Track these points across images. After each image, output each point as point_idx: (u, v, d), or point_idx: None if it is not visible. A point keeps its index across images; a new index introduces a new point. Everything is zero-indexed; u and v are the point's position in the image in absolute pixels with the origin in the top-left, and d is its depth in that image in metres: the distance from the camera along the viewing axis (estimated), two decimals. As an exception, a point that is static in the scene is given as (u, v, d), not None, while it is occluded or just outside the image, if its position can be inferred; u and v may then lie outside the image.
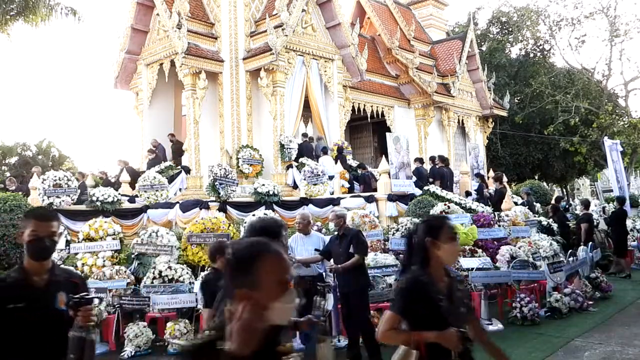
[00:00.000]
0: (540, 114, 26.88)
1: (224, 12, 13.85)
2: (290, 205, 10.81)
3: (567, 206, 17.44)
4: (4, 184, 12.67)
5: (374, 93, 17.23)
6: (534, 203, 13.30)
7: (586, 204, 12.49)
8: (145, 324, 6.80)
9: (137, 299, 7.07)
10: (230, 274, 1.46)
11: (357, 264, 5.65)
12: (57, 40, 63.44)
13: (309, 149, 13.88)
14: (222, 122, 13.71)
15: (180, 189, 12.80)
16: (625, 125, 25.93)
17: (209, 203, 9.95)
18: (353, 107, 16.21)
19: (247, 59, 13.61)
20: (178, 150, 14.25)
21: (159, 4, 13.53)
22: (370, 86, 17.13)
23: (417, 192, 11.78)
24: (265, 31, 13.07)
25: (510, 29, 29.67)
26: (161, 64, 14.02)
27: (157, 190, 10.74)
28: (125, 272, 7.74)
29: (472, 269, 7.62)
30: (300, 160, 13.11)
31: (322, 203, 10.94)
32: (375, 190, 12.20)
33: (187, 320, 6.82)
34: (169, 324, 6.71)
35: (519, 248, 8.89)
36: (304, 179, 11.51)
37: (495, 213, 10.68)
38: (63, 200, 9.39)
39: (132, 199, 11.06)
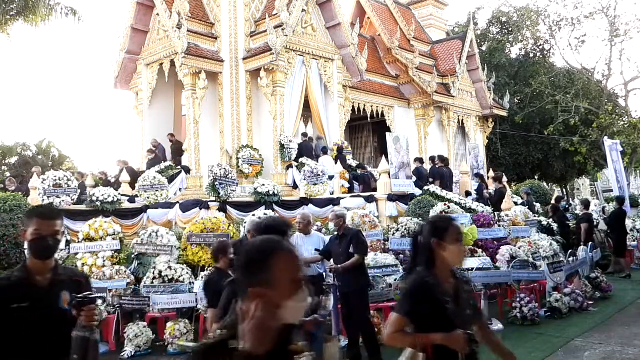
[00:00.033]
0: (540, 114, 26.88)
1: (224, 12, 13.85)
2: (290, 205, 10.81)
3: (567, 206, 17.44)
4: (4, 184, 12.66)
5: (374, 93, 17.23)
6: (534, 203, 13.30)
7: (586, 204, 12.50)
8: (145, 324, 6.81)
9: (137, 299, 7.07)
10: (243, 272, 1.44)
11: (357, 264, 5.65)
12: (57, 40, 63.50)
13: (308, 149, 13.88)
14: (222, 122, 13.71)
15: (180, 189, 12.80)
16: (625, 125, 25.93)
17: (209, 203, 9.95)
18: (353, 107, 16.20)
19: (247, 59, 13.61)
20: (177, 150, 14.25)
21: (159, 4, 13.53)
22: (370, 86, 17.13)
23: (417, 192, 11.78)
24: (265, 31, 13.07)
25: (510, 29, 29.68)
26: (161, 64, 14.02)
27: (157, 190, 10.74)
28: (125, 272, 7.74)
29: (472, 269, 7.62)
30: (300, 160, 13.11)
31: (322, 203, 10.94)
32: (374, 190, 12.20)
33: (187, 320, 6.82)
34: (169, 324, 6.71)
35: (519, 248, 8.89)
36: (304, 179, 11.51)
37: (495, 213, 10.68)
38: (63, 200, 9.39)
39: (132, 199, 11.06)
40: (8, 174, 20.31)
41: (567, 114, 25.76)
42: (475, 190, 13.46)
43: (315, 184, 11.41)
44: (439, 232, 2.45)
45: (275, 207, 10.28)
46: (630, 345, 5.99)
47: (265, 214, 9.36)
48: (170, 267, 7.54)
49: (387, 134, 12.63)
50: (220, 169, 10.18)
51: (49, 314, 2.28)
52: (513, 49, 30.15)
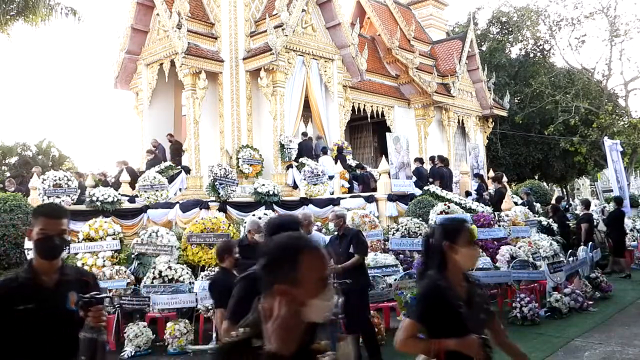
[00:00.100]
0: (540, 114, 26.89)
1: (224, 12, 13.85)
2: (290, 206, 10.81)
3: (567, 206, 17.44)
4: (3, 185, 12.66)
5: (374, 93, 17.24)
6: (534, 203, 13.30)
7: (586, 204, 12.49)
8: (145, 324, 6.81)
9: (137, 299, 7.07)
10: (268, 269, 1.41)
11: (357, 264, 5.65)
12: (57, 40, 63.51)
13: (308, 148, 13.89)
14: (222, 122, 13.71)
15: (180, 189, 12.80)
16: (625, 125, 25.93)
17: (209, 203, 9.95)
18: (353, 107, 16.21)
19: (247, 59, 13.61)
20: (177, 150, 14.25)
21: (159, 4, 13.53)
22: (370, 86, 17.14)
23: (417, 192, 11.79)
24: (265, 31, 13.07)
25: (510, 29, 29.68)
26: (161, 64, 14.02)
27: (157, 190, 10.74)
28: (125, 272, 7.74)
29: (472, 269, 7.61)
30: (300, 160, 13.11)
31: (322, 203, 10.94)
32: (374, 190, 12.21)
33: (187, 320, 6.82)
34: (169, 324, 6.71)
35: (519, 248, 8.89)
36: (304, 179, 11.51)
37: (495, 213, 10.68)
38: (63, 200, 9.40)
39: (132, 199, 11.06)
40: (8, 174, 20.31)
41: (567, 114, 25.76)
42: (475, 190, 13.46)
43: (315, 184, 11.41)
44: (451, 234, 2.39)
45: (275, 207, 10.28)
46: (630, 345, 5.99)
47: (265, 214, 9.36)
48: (170, 267, 7.54)
49: (387, 134, 12.64)
50: (220, 169, 10.18)
51: (55, 314, 2.23)
52: (513, 49, 30.18)
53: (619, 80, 68.91)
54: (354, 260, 5.62)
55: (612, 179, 16.78)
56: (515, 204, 12.09)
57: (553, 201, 14.03)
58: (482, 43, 28.05)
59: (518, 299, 7.37)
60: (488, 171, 17.05)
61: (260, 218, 8.89)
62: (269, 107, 13.42)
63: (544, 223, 11.51)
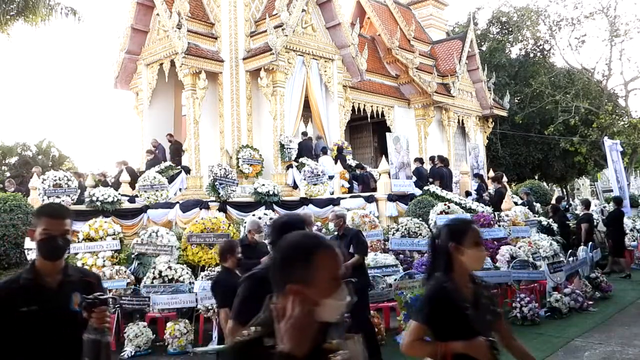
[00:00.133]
0: (540, 114, 26.89)
1: (224, 12, 13.85)
2: (290, 206, 10.80)
3: (567, 206, 17.44)
4: (3, 185, 12.66)
5: (374, 93, 17.23)
6: (534, 203, 13.30)
7: (587, 204, 12.49)
8: (145, 324, 6.81)
9: (137, 299, 7.07)
10: (282, 268, 1.39)
11: (357, 264, 5.64)
12: (57, 40, 63.51)
13: (308, 148, 13.89)
14: (222, 122, 13.71)
15: (180, 189, 12.80)
16: (625, 125, 25.93)
17: (209, 203, 9.95)
18: (353, 107, 16.21)
19: (247, 59, 13.61)
20: (177, 150, 14.25)
21: (159, 4, 13.53)
22: (370, 86, 17.13)
23: (417, 192, 11.79)
24: (265, 31, 13.07)
25: (510, 29, 29.68)
26: (161, 64, 14.02)
27: (157, 190, 10.74)
28: (125, 272, 7.74)
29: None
30: (300, 160, 13.11)
31: (322, 203, 10.94)
32: (373, 190, 12.21)
33: (187, 320, 6.82)
34: (169, 324, 6.72)
35: (519, 248, 8.89)
36: (304, 179, 11.51)
37: (495, 213, 10.69)
38: (63, 200, 9.39)
39: (132, 199, 11.06)
40: (8, 174, 20.32)
41: (567, 114, 25.76)
42: (475, 190, 13.47)
43: (315, 184, 11.41)
44: (457, 235, 2.34)
45: (275, 207, 10.28)
46: (630, 345, 5.99)
47: (265, 214, 9.37)
48: (170, 267, 7.54)
49: (387, 134, 12.64)
50: (220, 169, 10.18)
51: (59, 316, 2.20)
52: (513, 49, 30.18)
53: (619, 80, 68.98)
54: (354, 260, 5.61)
55: (612, 179, 16.78)
56: (515, 204, 12.09)
57: (553, 201, 14.03)
58: (482, 43, 28.05)
59: (518, 299, 7.37)
60: (488, 171, 17.05)
61: (260, 218, 8.90)
62: (269, 107, 13.42)
63: (544, 223, 11.51)
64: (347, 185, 13.11)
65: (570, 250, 9.34)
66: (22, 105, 54.45)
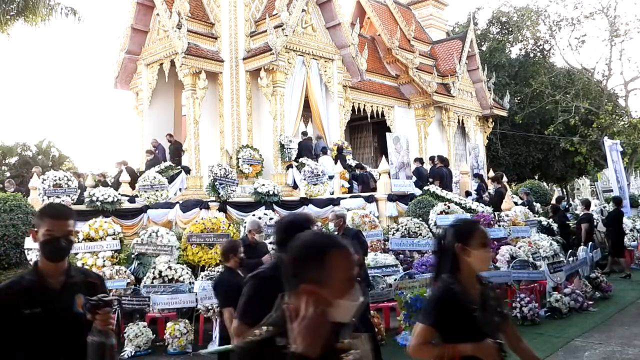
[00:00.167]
0: (540, 114, 26.89)
1: (224, 12, 13.85)
2: (290, 206, 10.80)
3: (567, 206, 17.44)
4: (3, 185, 12.66)
5: (374, 93, 17.23)
6: (534, 203, 13.30)
7: (587, 204, 12.50)
8: (145, 324, 6.81)
9: (137, 299, 7.07)
10: (295, 268, 1.37)
11: (357, 264, 5.64)
12: (57, 40, 63.51)
13: (307, 147, 13.88)
14: (222, 122, 13.71)
15: (180, 189, 12.80)
16: (625, 125, 25.93)
17: (209, 203, 9.95)
18: (353, 107, 16.21)
19: (247, 59, 13.61)
20: (177, 150, 14.24)
21: (159, 4, 13.53)
22: (370, 86, 17.14)
23: (417, 192, 11.79)
24: (265, 31, 13.07)
25: (510, 29, 29.68)
26: (161, 64, 14.02)
27: (157, 190, 10.73)
28: (125, 272, 7.74)
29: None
30: (300, 160, 13.11)
31: (322, 203, 10.94)
32: (373, 190, 12.21)
33: (187, 320, 6.82)
34: (169, 324, 6.71)
35: (519, 248, 8.89)
36: (304, 179, 11.51)
37: (495, 213, 10.68)
38: (63, 201, 9.38)
39: (132, 199, 11.06)
40: (8, 174, 20.33)
41: (567, 114, 25.77)
42: (475, 190, 13.47)
43: (315, 184, 11.41)
44: (463, 236, 2.32)
45: (275, 207, 10.28)
46: (630, 345, 6.00)
47: (265, 214, 9.38)
48: (170, 267, 7.54)
49: (387, 134, 12.64)
50: (220, 169, 10.18)
51: (62, 318, 2.17)
52: (513, 49, 30.18)
53: (619, 80, 68.99)
54: (353, 260, 5.61)
55: (612, 179, 16.79)
56: (515, 204, 12.09)
57: (553, 201, 14.04)
58: (482, 43, 28.05)
59: (518, 299, 7.37)
60: (488, 171, 17.06)
61: (260, 218, 8.90)
62: (269, 107, 13.42)
63: (544, 223, 11.51)
64: (347, 185, 13.11)
65: (570, 250, 9.34)
66: (22, 105, 54.49)
